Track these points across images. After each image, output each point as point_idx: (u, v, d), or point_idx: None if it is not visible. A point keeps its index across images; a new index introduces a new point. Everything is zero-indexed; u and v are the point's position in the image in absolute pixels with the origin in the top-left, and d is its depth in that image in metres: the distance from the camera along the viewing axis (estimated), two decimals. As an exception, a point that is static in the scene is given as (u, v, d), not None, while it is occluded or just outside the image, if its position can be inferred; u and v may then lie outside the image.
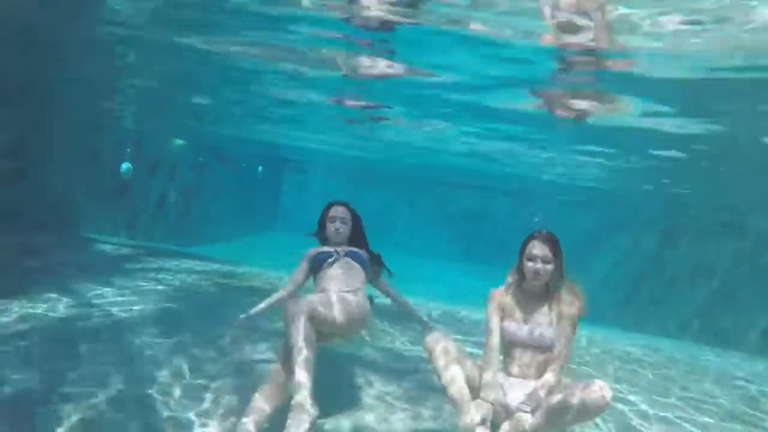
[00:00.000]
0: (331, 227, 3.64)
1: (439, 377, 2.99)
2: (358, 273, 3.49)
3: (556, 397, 2.76)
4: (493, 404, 2.96)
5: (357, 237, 3.79)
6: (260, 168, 20.37)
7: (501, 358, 3.21)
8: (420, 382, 4.10)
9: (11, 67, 7.47)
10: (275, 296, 3.59)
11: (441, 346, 3.04)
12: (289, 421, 2.55)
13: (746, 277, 10.17)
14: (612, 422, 3.84)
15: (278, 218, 23.40)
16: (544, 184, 16.95)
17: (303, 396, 2.60)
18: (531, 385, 3.02)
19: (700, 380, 5.38)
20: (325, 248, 3.65)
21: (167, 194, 14.86)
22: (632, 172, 10.14)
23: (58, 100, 9.58)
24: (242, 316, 3.52)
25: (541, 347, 3.05)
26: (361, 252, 3.65)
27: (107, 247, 8.47)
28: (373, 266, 3.76)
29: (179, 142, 14.57)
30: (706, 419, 4.22)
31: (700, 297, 10.78)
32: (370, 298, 3.57)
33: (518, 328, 3.10)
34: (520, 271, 3.13)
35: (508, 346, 3.18)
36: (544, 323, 3.07)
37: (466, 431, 2.77)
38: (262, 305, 3.53)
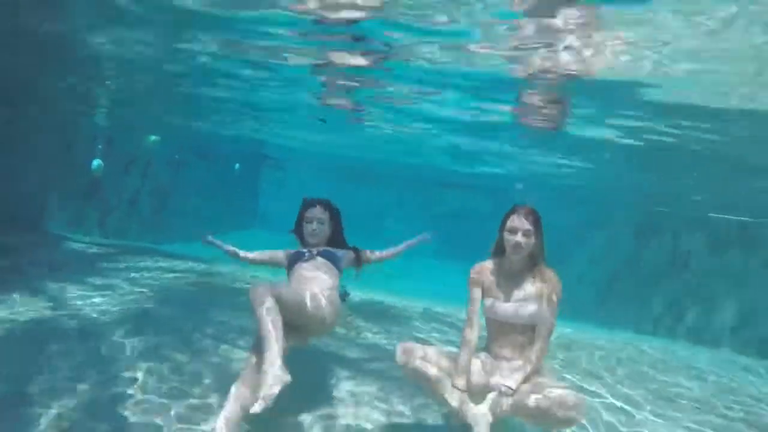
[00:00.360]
0: (307, 228, 3.65)
1: (428, 391, 3.09)
2: (331, 272, 3.47)
3: (532, 399, 2.77)
4: (466, 390, 2.98)
5: (337, 235, 3.81)
6: (237, 165, 20.09)
7: (485, 335, 3.19)
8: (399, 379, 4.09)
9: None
10: (235, 249, 3.83)
11: (418, 361, 3.03)
12: (262, 385, 2.55)
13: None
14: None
15: (257, 216, 23.15)
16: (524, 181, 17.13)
17: (272, 360, 2.59)
18: (515, 365, 2.99)
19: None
20: (301, 249, 3.69)
21: (140, 191, 14.55)
22: (608, 166, 10.27)
23: (29, 96, 9.30)
24: (209, 236, 3.92)
25: (524, 325, 3.01)
26: (335, 251, 3.65)
27: (78, 246, 8.25)
28: (355, 262, 3.80)
29: (153, 138, 14.27)
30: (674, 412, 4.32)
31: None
32: (344, 294, 3.63)
33: (500, 306, 3.05)
34: (500, 246, 3.07)
35: (491, 324, 3.14)
36: (526, 300, 3.01)
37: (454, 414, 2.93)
38: (221, 244, 3.87)
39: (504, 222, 3.03)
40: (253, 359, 2.89)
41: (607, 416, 3.99)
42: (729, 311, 9.98)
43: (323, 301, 3.17)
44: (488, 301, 3.11)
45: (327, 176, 24.28)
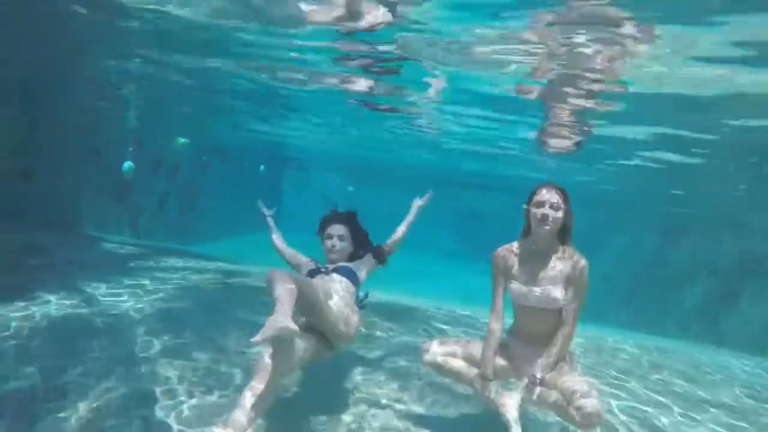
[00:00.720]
0: (327, 243, 3.67)
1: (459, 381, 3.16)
2: (348, 287, 3.43)
3: (553, 396, 2.81)
4: (491, 379, 3.02)
5: (359, 247, 3.79)
6: (262, 167, 20.39)
7: (511, 321, 3.19)
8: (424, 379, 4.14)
9: (15, 68, 7.54)
10: (275, 228, 4.21)
11: (440, 358, 3.12)
12: (265, 322, 2.45)
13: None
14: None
15: (280, 217, 23.44)
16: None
17: (280, 308, 2.49)
18: (541, 351, 2.93)
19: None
20: (320, 265, 3.68)
21: (169, 193, 14.92)
22: (632, 171, 10.15)
23: (61, 99, 9.65)
24: (263, 207, 4.41)
25: (549, 309, 2.93)
26: (352, 265, 3.62)
27: (110, 246, 8.53)
28: (376, 263, 3.78)
29: (182, 140, 14.61)
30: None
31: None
32: (363, 298, 3.60)
33: (523, 289, 2.97)
34: (527, 226, 2.97)
35: (516, 308, 3.09)
36: (552, 283, 2.91)
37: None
38: (271, 217, 4.40)
39: (531, 197, 2.92)
40: (266, 357, 2.77)
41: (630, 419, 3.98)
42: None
43: (341, 301, 3.22)
44: (512, 285, 3.02)
45: (347, 177, 24.47)
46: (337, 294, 3.25)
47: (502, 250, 3.11)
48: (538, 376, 2.82)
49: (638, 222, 13.47)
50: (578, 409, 2.65)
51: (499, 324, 3.07)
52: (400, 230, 3.95)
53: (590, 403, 2.65)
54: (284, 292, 2.57)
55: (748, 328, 9.99)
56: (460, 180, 21.63)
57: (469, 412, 3.69)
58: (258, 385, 2.62)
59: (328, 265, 3.65)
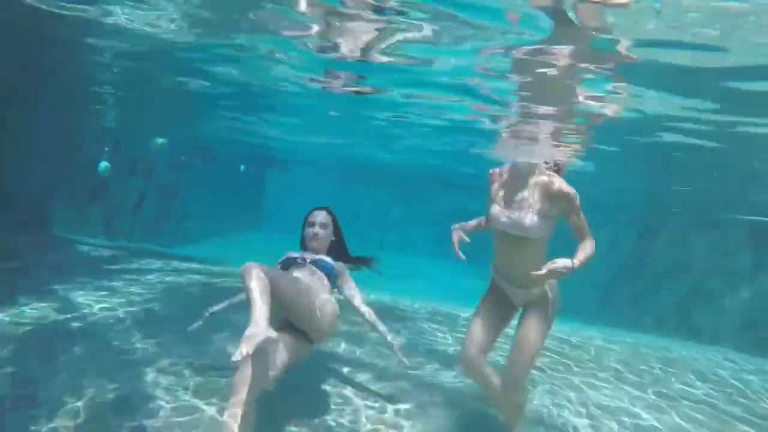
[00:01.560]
0: (309, 231, 3.59)
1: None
2: (324, 284, 3.31)
3: (515, 355, 3.04)
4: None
5: (339, 243, 3.74)
6: (242, 167, 20.13)
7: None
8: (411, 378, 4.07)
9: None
10: (237, 297, 3.68)
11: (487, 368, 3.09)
12: (243, 335, 2.37)
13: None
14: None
15: (262, 218, 23.18)
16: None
17: (257, 319, 2.43)
18: (519, 289, 3.05)
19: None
20: (295, 254, 3.57)
21: (146, 193, 14.60)
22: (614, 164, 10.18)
23: (34, 98, 9.33)
24: (206, 313, 3.67)
25: (521, 237, 2.89)
26: (327, 260, 3.52)
27: (84, 248, 8.28)
28: (347, 267, 3.68)
29: (160, 140, 14.31)
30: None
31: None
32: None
33: (497, 210, 3.00)
34: None
35: (494, 236, 3.10)
36: (524, 209, 2.87)
37: None
38: (224, 304, 3.72)
39: None
40: (244, 369, 2.60)
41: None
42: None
43: (318, 294, 3.08)
44: (492, 207, 3.05)
45: (331, 177, 24.32)
46: (313, 286, 3.13)
47: (494, 171, 3.17)
48: (575, 263, 2.66)
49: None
50: (507, 382, 2.95)
51: (478, 222, 3.31)
52: (363, 309, 3.60)
53: (517, 375, 2.93)
54: (257, 292, 2.51)
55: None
56: (445, 179, 21.69)
57: (463, 412, 3.63)
58: (239, 400, 2.47)
59: (305, 255, 3.52)
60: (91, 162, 12.23)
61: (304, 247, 3.67)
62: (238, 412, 2.43)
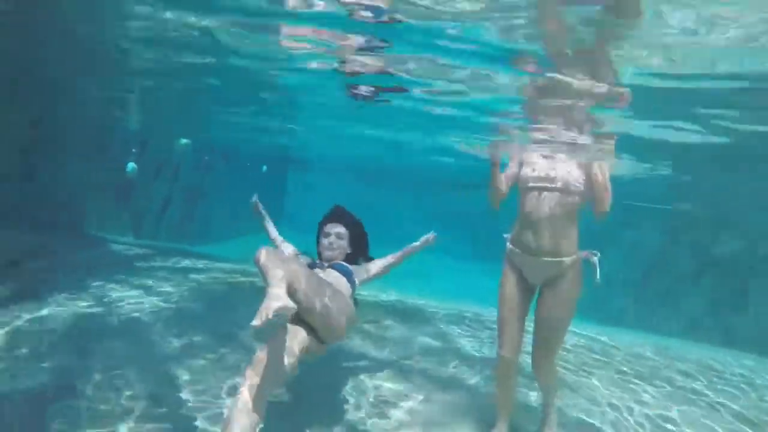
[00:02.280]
0: (324, 241, 3.55)
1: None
2: (342, 283, 3.27)
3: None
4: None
5: (357, 252, 3.66)
6: (264, 167, 20.38)
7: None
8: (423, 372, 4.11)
9: (20, 68, 7.52)
10: (269, 223, 4.19)
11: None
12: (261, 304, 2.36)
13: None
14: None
15: (283, 217, 23.44)
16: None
17: (273, 288, 2.41)
18: (549, 247, 3.03)
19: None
20: (315, 260, 3.56)
21: (172, 194, 14.91)
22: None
23: (66, 100, 9.63)
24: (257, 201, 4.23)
25: (562, 192, 2.98)
26: (345, 264, 3.47)
27: (114, 247, 8.53)
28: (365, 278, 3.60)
29: (184, 141, 14.61)
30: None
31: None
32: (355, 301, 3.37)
33: (538, 163, 3.12)
34: None
35: (526, 201, 3.11)
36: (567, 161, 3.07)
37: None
38: (265, 214, 4.27)
39: None
40: (259, 356, 2.59)
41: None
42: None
43: (335, 293, 2.97)
44: (525, 170, 3.14)
45: (350, 178, 24.42)
46: (330, 286, 3.03)
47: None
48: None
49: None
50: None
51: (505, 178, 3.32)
52: (394, 259, 3.75)
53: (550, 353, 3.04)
54: (273, 271, 2.50)
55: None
56: (468, 181, 21.63)
57: (478, 409, 3.66)
58: (253, 384, 2.44)
59: (324, 262, 3.49)
60: (120, 163, 12.56)
61: (319, 256, 3.61)
62: (249, 402, 2.37)
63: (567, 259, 2.99)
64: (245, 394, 2.40)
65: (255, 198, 4.13)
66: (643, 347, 6.26)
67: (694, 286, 10.92)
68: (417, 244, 3.86)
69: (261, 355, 2.53)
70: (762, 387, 5.27)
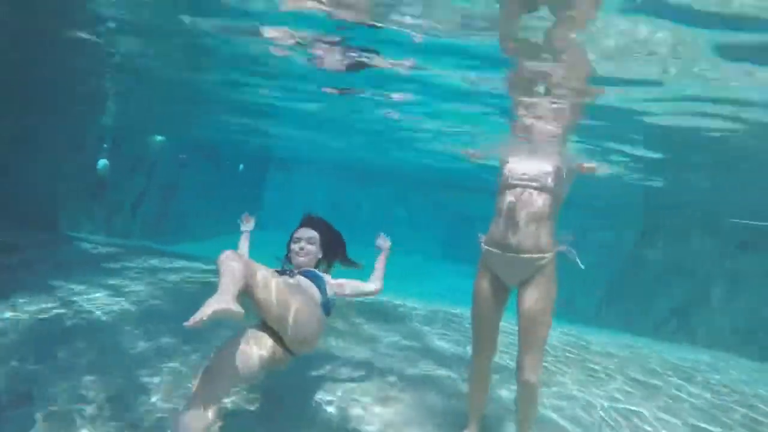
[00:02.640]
0: (294, 246, 3.41)
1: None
2: (312, 290, 3.12)
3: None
4: None
5: (329, 253, 3.56)
6: (241, 166, 20.18)
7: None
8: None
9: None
10: (243, 245, 3.81)
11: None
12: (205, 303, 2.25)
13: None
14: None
15: (261, 216, 23.24)
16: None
17: (222, 287, 2.34)
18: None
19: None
20: (284, 268, 3.38)
21: (146, 191, 14.65)
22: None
23: (40, 96, 9.38)
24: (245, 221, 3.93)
25: (538, 184, 3.07)
26: (315, 271, 3.36)
27: (86, 245, 8.33)
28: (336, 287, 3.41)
29: (159, 138, 14.38)
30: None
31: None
32: (327, 311, 3.20)
33: (517, 163, 3.19)
34: None
35: (503, 194, 3.18)
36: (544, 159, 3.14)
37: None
38: (245, 236, 3.89)
39: None
40: (218, 356, 2.54)
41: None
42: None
43: (303, 301, 2.84)
44: (504, 168, 3.21)
45: (332, 176, 24.37)
46: (299, 293, 2.90)
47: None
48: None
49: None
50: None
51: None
52: (370, 288, 3.47)
53: (535, 353, 3.00)
54: (230, 271, 2.41)
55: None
56: (447, 181, 21.77)
57: (450, 410, 3.69)
58: (204, 387, 2.39)
59: (294, 270, 3.33)
60: (92, 160, 12.29)
61: (289, 262, 3.46)
62: (200, 404, 2.33)
63: (546, 255, 3.04)
64: (196, 398, 2.35)
65: (245, 215, 3.95)
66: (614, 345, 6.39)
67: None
68: (381, 257, 3.70)
69: (216, 358, 2.48)
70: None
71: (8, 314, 4.41)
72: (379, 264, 3.66)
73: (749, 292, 9.95)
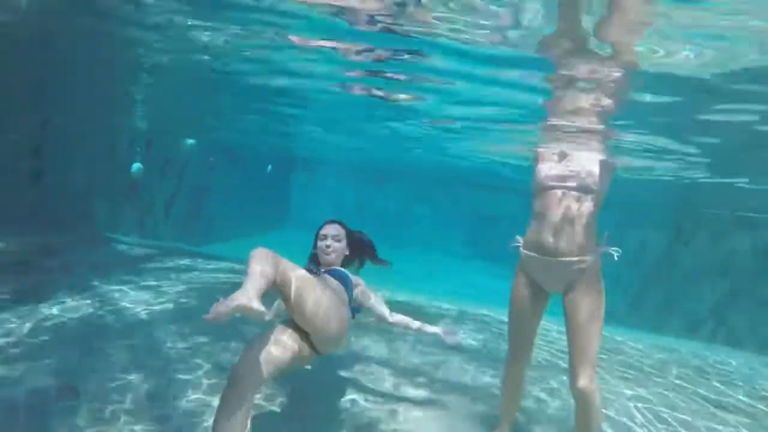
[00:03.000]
0: (321, 244, 3.39)
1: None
2: (341, 291, 3.11)
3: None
4: None
5: (356, 250, 3.54)
6: (269, 167, 20.43)
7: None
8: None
9: (28, 71, 7.59)
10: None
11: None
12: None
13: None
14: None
15: (288, 217, 23.50)
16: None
17: (247, 285, 2.33)
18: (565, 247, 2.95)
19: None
20: (311, 267, 3.41)
21: (177, 193, 14.99)
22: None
23: (73, 101, 9.71)
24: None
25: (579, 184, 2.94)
26: (343, 270, 3.35)
27: (122, 247, 8.58)
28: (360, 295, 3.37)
29: (190, 141, 14.67)
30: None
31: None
32: (355, 312, 3.26)
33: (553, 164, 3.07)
34: None
35: (541, 198, 3.04)
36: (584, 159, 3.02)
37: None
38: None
39: None
40: (246, 355, 2.54)
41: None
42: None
43: (330, 299, 2.82)
44: (541, 168, 3.06)
45: (356, 177, 24.45)
46: (327, 292, 2.85)
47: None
48: None
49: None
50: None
51: None
52: (395, 319, 3.38)
53: (587, 363, 2.83)
54: (257, 268, 2.40)
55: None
56: (471, 180, 21.63)
57: (480, 411, 3.67)
58: (234, 385, 2.41)
59: (321, 268, 3.36)
60: (126, 163, 12.64)
61: (316, 262, 3.45)
62: (231, 406, 2.35)
63: (587, 258, 2.88)
64: (225, 400, 2.38)
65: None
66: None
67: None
68: (423, 325, 3.37)
69: (243, 356, 2.51)
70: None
71: (53, 311, 4.59)
72: (411, 323, 3.37)
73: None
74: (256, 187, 19.47)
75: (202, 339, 4.40)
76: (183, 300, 5.51)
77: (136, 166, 12.78)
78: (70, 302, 4.96)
